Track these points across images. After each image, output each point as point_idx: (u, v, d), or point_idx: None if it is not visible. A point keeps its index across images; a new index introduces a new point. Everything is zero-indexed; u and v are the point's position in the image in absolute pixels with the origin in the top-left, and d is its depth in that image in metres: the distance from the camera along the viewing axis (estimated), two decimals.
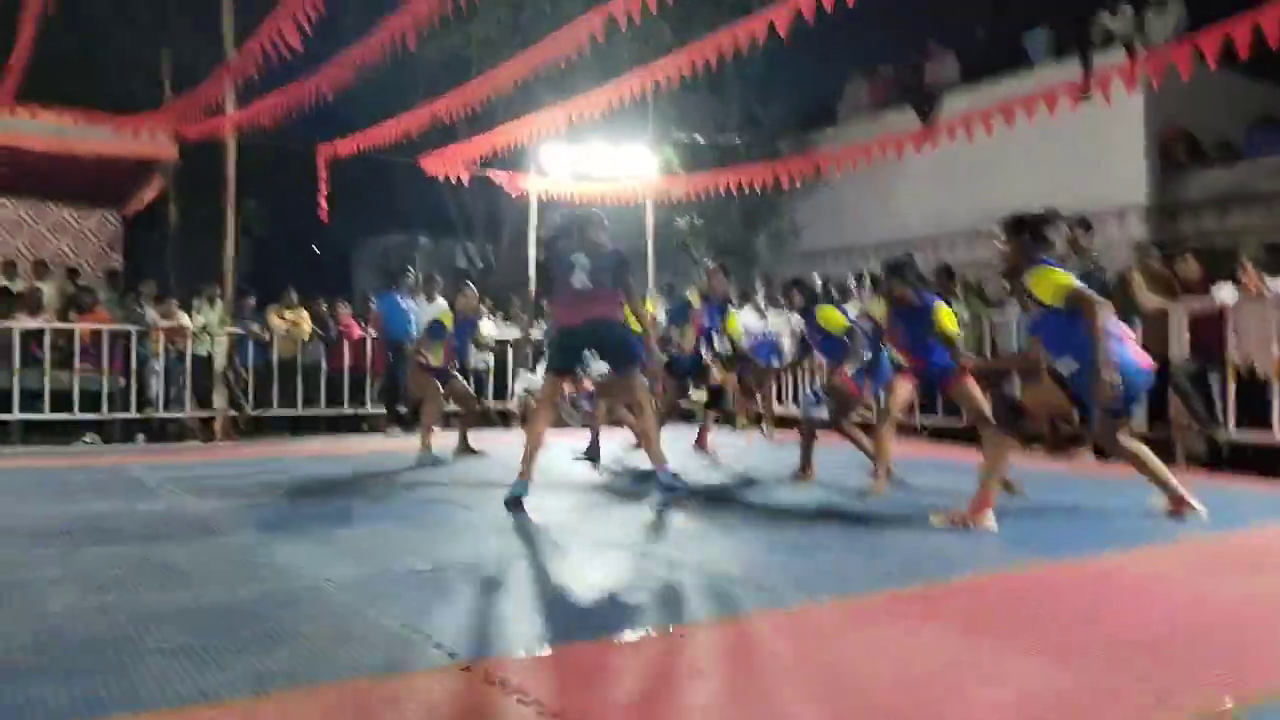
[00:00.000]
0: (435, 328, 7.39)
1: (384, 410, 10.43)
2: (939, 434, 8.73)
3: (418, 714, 2.03)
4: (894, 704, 2.13)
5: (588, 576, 3.42)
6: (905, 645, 2.58)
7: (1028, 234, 4.38)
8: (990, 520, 4.23)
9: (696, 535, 4.24)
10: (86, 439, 9.39)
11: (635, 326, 5.57)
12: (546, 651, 2.49)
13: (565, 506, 5.07)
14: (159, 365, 9.86)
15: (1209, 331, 6.85)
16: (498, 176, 12.65)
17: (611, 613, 2.85)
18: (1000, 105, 7.48)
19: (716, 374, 7.71)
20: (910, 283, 5.47)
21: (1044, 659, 2.41)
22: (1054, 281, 4.18)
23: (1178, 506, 4.41)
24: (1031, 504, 5.03)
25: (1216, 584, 3.26)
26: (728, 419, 9.59)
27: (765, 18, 6.99)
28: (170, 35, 14.01)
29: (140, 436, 9.74)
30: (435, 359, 7.37)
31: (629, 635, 2.63)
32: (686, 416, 10.26)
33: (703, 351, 7.52)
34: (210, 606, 2.94)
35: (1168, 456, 7.09)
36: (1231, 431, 6.75)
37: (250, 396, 10.15)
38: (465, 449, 7.50)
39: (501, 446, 8.36)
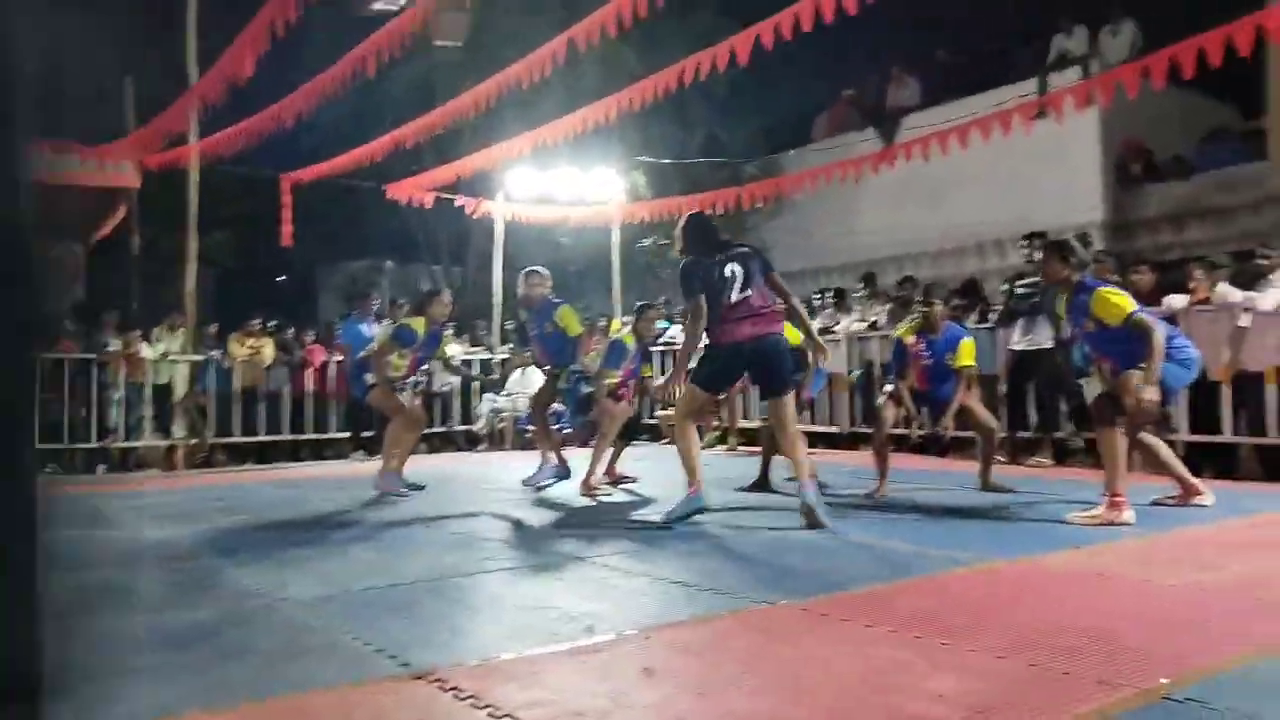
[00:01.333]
0: (405, 334, 6.53)
1: (348, 435, 10.39)
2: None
3: None
4: (849, 691, 2.18)
5: (545, 587, 3.43)
6: (857, 641, 2.62)
7: (1065, 254, 4.85)
8: (1129, 514, 4.48)
9: (652, 545, 4.25)
10: (46, 470, 9.27)
11: (792, 337, 5.16)
12: (501, 658, 2.50)
13: (521, 523, 5.08)
14: (119, 395, 9.77)
15: None
16: (464, 201, 12.70)
17: (568, 621, 2.87)
18: (957, 126, 7.62)
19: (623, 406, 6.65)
20: (948, 307, 5.97)
21: (991, 650, 2.46)
22: (1116, 304, 4.62)
23: (1188, 495, 4.97)
24: (984, 505, 5.16)
25: (1161, 577, 3.34)
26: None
27: (727, 45, 7.14)
28: (134, 64, 13.95)
29: (100, 467, 9.64)
30: (398, 369, 6.56)
31: (584, 641, 2.65)
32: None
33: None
34: (165, 627, 2.92)
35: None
36: (1185, 433, 6.89)
37: (212, 424, 10.07)
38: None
39: (462, 468, 8.38)
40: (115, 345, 9.78)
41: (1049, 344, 7.54)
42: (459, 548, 4.27)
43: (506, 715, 2.06)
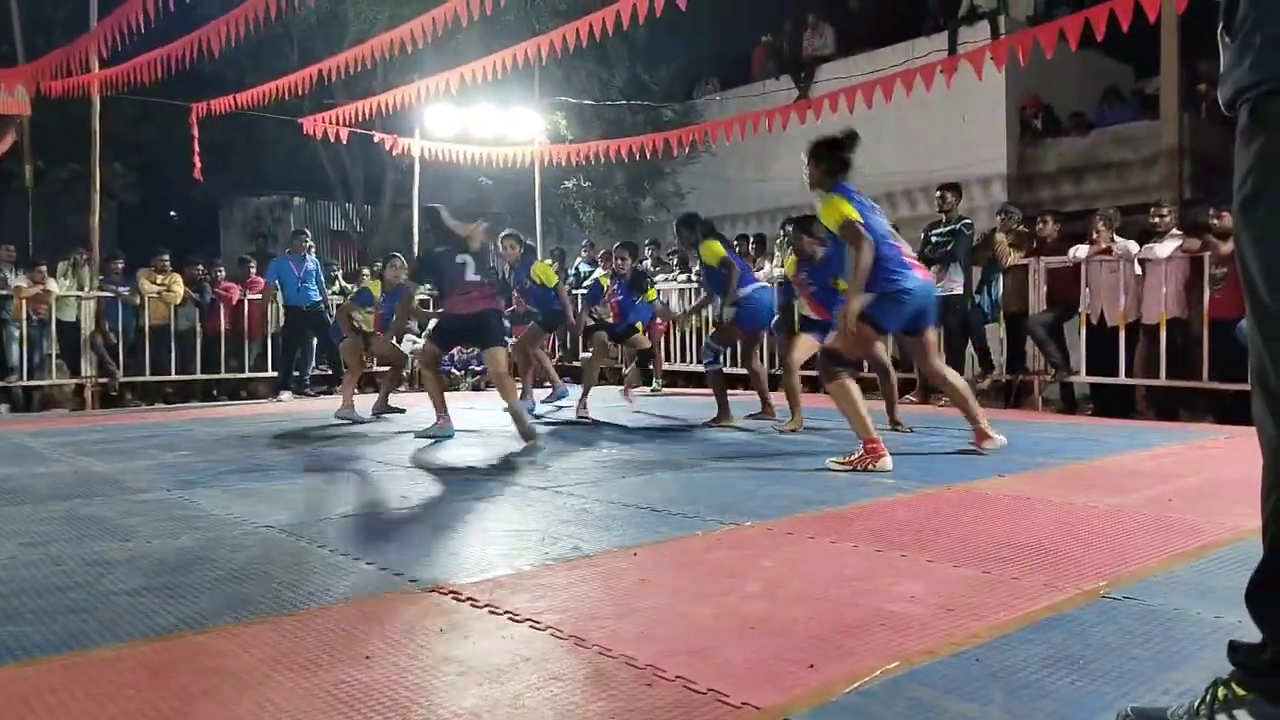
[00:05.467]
0: (363, 295, 7.87)
1: (277, 374, 10.21)
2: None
3: (402, 628, 2.19)
4: (830, 595, 2.42)
5: (520, 513, 3.59)
6: (826, 555, 2.88)
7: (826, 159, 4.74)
8: (886, 460, 4.46)
9: (611, 476, 4.45)
10: None
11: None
12: (503, 574, 2.67)
13: (479, 457, 5.21)
14: (19, 331, 9.38)
15: (1065, 286, 7.49)
16: (382, 138, 12.45)
17: (553, 541, 3.04)
18: (881, 80, 7.87)
19: (642, 339, 8.01)
20: (815, 235, 5.93)
21: (947, 560, 2.75)
22: (839, 209, 4.52)
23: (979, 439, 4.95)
24: (904, 440, 5.54)
25: (1082, 500, 3.70)
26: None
27: None
28: None
29: (3, 406, 9.29)
30: (367, 325, 7.76)
31: (575, 557, 2.84)
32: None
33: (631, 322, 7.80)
34: (159, 553, 2.98)
35: (1027, 400, 7.77)
36: (1084, 375, 7.43)
37: (120, 363, 9.79)
38: (386, 407, 7.65)
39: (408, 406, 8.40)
40: (21, 281, 9.36)
41: (959, 290, 7.96)
42: (422, 479, 4.39)
43: (527, 620, 2.23)
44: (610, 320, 7.85)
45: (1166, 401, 7.23)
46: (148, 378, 9.99)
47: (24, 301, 9.28)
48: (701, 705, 1.73)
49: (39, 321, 9.49)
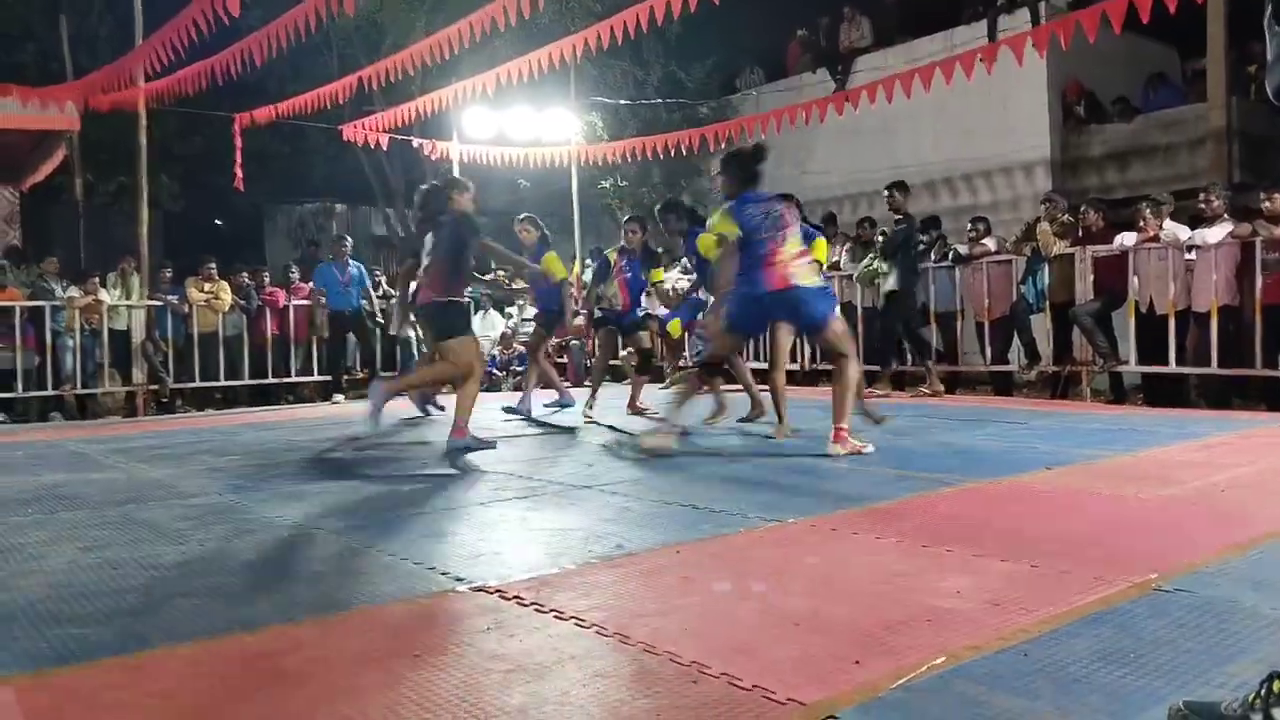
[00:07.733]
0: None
1: (329, 378, 10.37)
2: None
3: (449, 627, 2.22)
4: (878, 591, 2.41)
5: (563, 512, 3.61)
6: (871, 551, 2.86)
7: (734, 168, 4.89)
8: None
9: (652, 474, 4.45)
10: None
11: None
12: (549, 572, 2.69)
13: (522, 456, 5.25)
14: (73, 341, 9.60)
15: (1112, 274, 7.36)
16: (420, 143, 12.58)
17: (596, 540, 3.06)
18: (920, 68, 7.77)
19: (645, 338, 7.53)
20: (672, 227, 6.55)
21: (993, 555, 2.72)
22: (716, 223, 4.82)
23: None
24: (949, 432, 5.47)
25: (1132, 492, 3.64)
26: (656, 377, 9.61)
27: None
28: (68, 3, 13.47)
29: (55, 415, 9.51)
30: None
31: (619, 556, 2.85)
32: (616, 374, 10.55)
33: (642, 303, 7.28)
34: (212, 555, 3.04)
35: (1075, 391, 7.65)
36: (1133, 365, 7.30)
37: (170, 370, 9.99)
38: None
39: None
40: (73, 292, 9.59)
41: (894, 285, 7.84)
42: (465, 480, 4.43)
43: (572, 618, 2.25)
44: (619, 308, 7.14)
45: (1218, 390, 7.08)
46: (197, 384, 10.19)
47: (77, 311, 9.51)
48: (747, 702, 1.73)
49: (91, 331, 9.70)
